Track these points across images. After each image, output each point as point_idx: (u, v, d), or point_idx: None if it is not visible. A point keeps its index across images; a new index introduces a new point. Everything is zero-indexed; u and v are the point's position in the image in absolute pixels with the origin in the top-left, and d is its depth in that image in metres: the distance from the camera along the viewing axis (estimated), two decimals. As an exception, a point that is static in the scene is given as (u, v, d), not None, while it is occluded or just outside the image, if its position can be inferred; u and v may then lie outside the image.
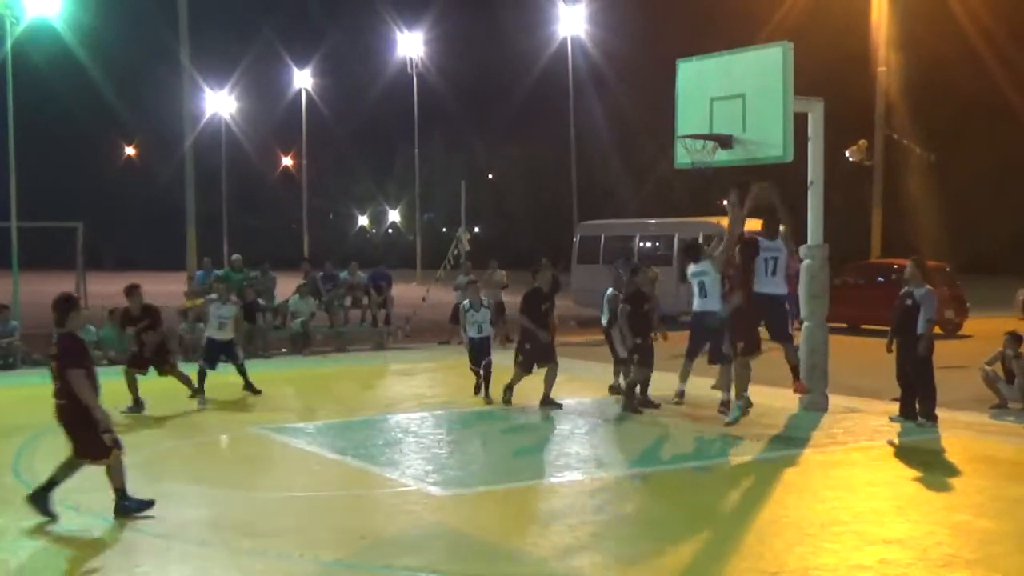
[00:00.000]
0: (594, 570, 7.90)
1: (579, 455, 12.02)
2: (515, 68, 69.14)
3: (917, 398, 13.47)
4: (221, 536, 8.77)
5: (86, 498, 9.92)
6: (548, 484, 10.59)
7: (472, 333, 15.91)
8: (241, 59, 74.37)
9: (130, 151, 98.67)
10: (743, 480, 10.81)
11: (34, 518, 9.30)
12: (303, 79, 72.05)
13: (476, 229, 65.27)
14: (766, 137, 13.82)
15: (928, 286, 13.61)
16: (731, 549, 8.31)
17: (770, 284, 13.50)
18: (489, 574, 7.88)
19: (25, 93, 25.55)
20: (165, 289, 28.31)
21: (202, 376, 16.02)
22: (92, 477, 10.77)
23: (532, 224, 72.26)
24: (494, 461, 11.71)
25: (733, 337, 13.59)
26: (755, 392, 13.99)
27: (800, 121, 14.20)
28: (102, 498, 9.93)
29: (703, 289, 14.46)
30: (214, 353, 16.53)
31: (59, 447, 12.65)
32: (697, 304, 14.63)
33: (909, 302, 13.46)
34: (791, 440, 12.65)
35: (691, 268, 14.72)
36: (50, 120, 71.13)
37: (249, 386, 16.68)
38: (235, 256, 24.58)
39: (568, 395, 16.21)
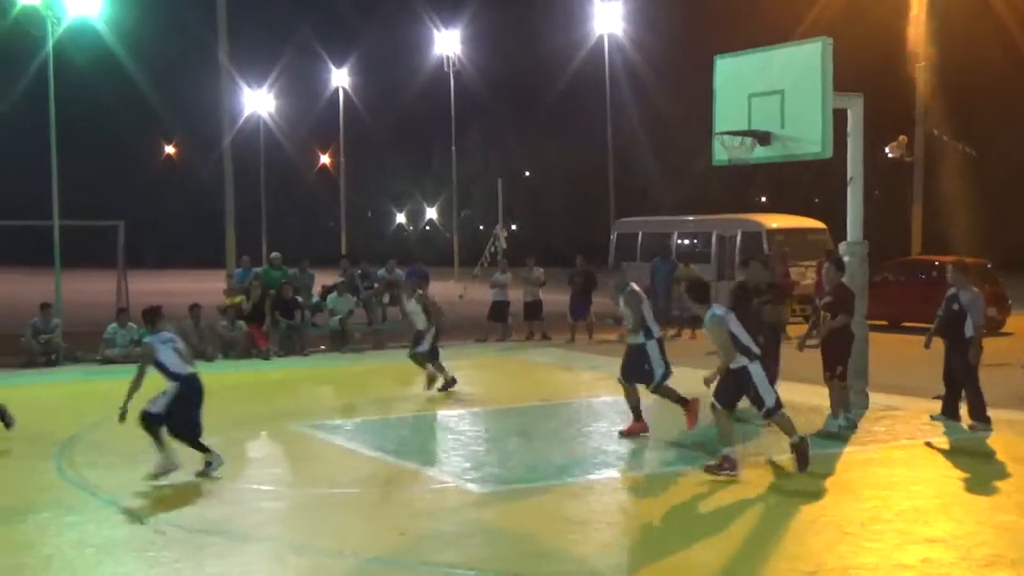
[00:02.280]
0: (632, 568, 7.89)
1: (617, 453, 11.99)
2: (552, 66, 68.99)
3: (965, 402, 13.30)
4: (260, 532, 8.82)
5: (127, 494, 10.02)
6: (586, 482, 10.57)
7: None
8: (279, 58, 74.81)
9: (170, 150, 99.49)
10: (782, 478, 10.74)
11: (76, 514, 9.40)
12: (340, 78, 72.35)
13: (513, 227, 65.28)
14: (805, 133, 13.75)
15: (975, 289, 13.41)
16: (770, 548, 8.27)
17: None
18: (528, 571, 7.88)
19: (66, 92, 25.82)
20: (205, 287, 28.54)
21: None
22: (135, 474, 10.88)
23: (569, 221, 72.10)
24: (532, 458, 11.70)
25: (831, 360, 12.95)
26: (792, 390, 13.90)
27: (839, 117, 14.11)
28: (144, 495, 10.04)
29: None
30: None
31: (100, 442, 12.81)
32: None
33: (956, 307, 13.26)
34: (831, 438, 12.54)
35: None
36: (91, 119, 71.74)
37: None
38: (274, 254, 24.71)
39: (607, 393, 16.20)
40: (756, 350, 10.67)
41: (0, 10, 27.15)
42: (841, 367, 12.98)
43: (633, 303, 12.51)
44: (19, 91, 46.61)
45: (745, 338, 10.58)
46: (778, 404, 10.72)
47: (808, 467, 10.60)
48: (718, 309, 10.66)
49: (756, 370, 10.55)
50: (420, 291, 16.99)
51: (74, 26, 28.68)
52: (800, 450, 10.71)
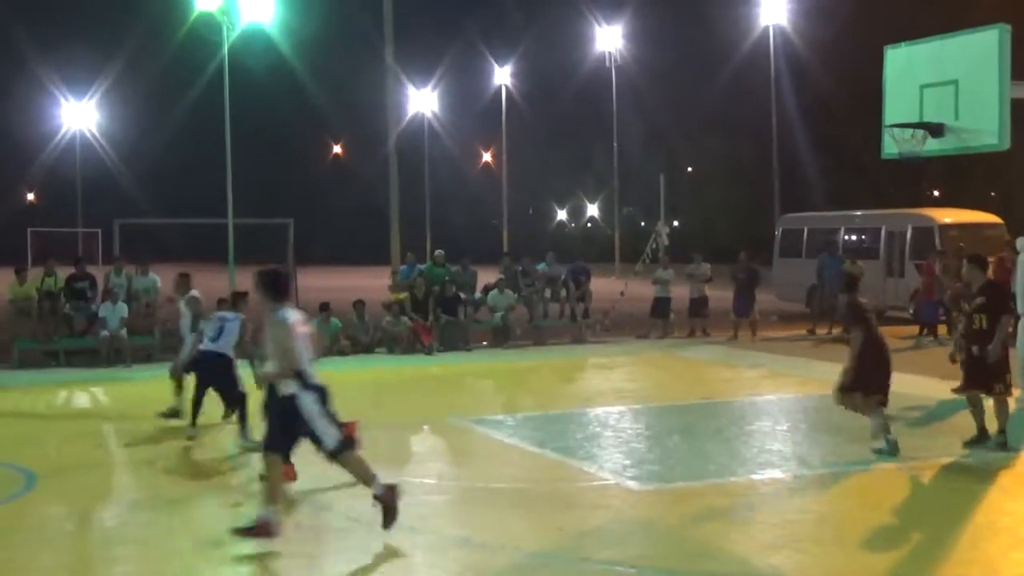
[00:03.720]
0: (796, 569, 7.74)
1: (781, 452, 11.78)
2: (714, 59, 68.14)
3: None
4: (424, 524, 8.96)
5: (305, 485, 10.31)
6: (749, 481, 10.43)
7: None
8: (443, 57, 75.88)
9: (337, 150, 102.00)
10: (956, 482, 10.39)
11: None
12: (503, 76, 72.99)
13: (675, 223, 64.78)
14: (981, 124, 13.32)
15: None
16: (941, 552, 8.01)
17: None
18: (688, 570, 7.81)
19: (239, 95, 26.76)
20: (370, 283, 29.17)
21: None
22: (321, 468, 11.18)
23: (732, 217, 71.17)
24: (693, 456, 11.60)
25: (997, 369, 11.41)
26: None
27: (1018, 107, 13.57)
28: (317, 484, 10.32)
29: None
30: None
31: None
32: None
33: None
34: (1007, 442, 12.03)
35: None
36: (262, 121, 74.19)
37: None
38: (437, 251, 25.10)
39: (770, 391, 15.95)
40: (314, 378, 8.48)
41: (179, 17, 28.34)
42: (1008, 375, 12.00)
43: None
44: (196, 94, 48.58)
45: (304, 360, 8.45)
46: (346, 443, 8.55)
47: (394, 523, 8.49)
48: (291, 314, 8.61)
49: (308, 401, 8.37)
50: (194, 294, 14.05)
51: (247, 31, 29.68)
52: (384, 502, 8.49)
